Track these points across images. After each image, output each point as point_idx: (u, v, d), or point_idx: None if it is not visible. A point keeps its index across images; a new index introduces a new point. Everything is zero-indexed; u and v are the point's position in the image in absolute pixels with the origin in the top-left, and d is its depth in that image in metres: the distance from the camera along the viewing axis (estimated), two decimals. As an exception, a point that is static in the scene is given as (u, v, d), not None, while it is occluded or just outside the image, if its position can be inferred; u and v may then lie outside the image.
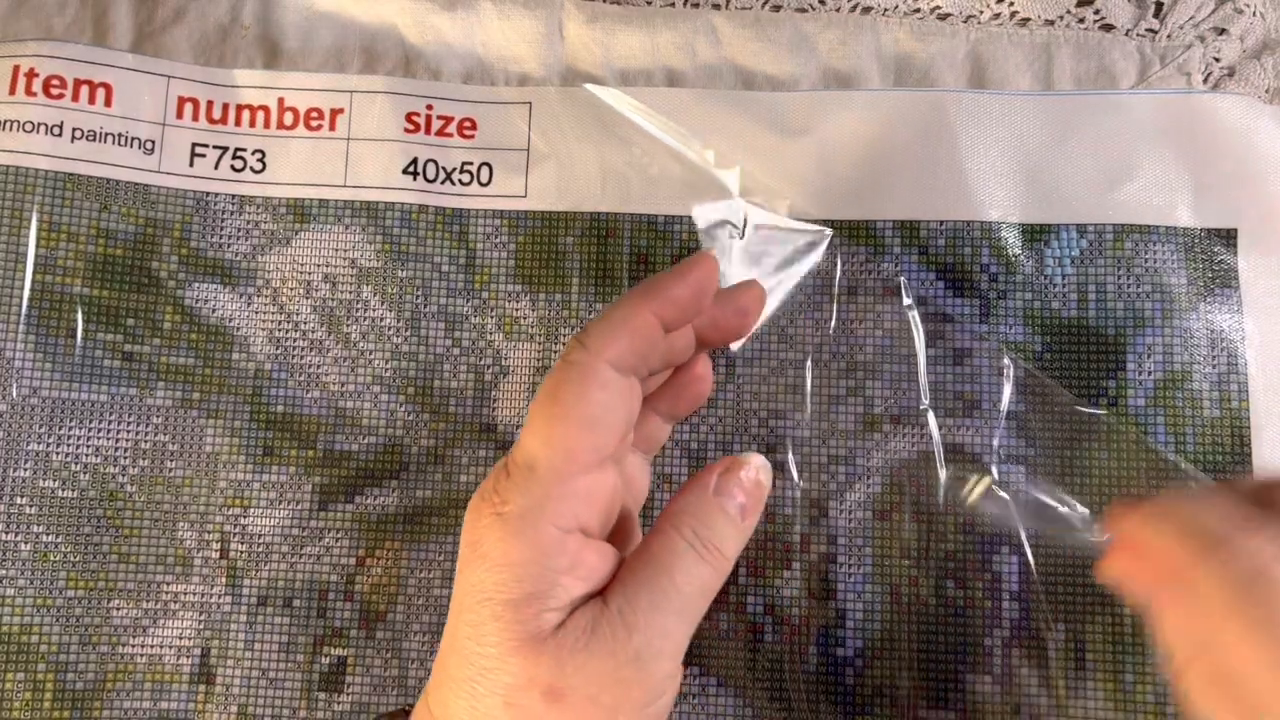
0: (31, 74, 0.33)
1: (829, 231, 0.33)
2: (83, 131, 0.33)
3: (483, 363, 0.33)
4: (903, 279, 0.33)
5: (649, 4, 0.35)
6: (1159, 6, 0.34)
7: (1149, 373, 0.32)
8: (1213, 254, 0.32)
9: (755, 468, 0.25)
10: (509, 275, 0.34)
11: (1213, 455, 0.31)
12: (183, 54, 0.35)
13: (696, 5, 0.35)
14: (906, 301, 0.32)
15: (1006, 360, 0.32)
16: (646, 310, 0.24)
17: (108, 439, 0.32)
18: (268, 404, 0.33)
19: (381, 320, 0.33)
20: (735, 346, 0.33)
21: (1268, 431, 0.31)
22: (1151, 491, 0.30)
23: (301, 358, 0.33)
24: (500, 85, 0.35)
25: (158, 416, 0.33)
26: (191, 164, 0.34)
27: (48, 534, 0.32)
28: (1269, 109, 0.33)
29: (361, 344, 0.33)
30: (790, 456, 0.32)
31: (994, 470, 0.32)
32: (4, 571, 0.31)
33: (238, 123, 0.34)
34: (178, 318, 0.33)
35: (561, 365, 0.23)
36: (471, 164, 0.34)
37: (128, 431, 0.32)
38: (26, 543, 0.32)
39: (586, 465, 0.23)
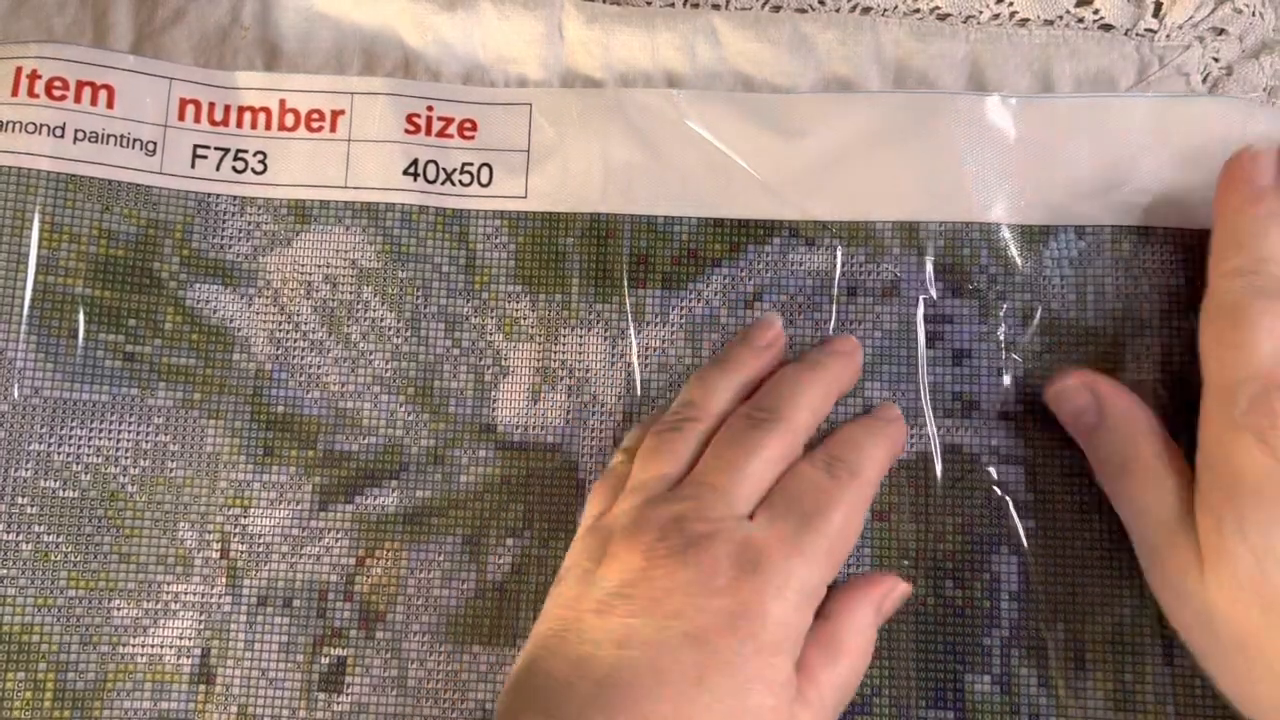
0: (34, 75, 0.33)
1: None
2: (85, 133, 0.33)
3: (483, 363, 0.33)
4: (902, 280, 0.33)
5: (649, 4, 0.35)
6: (1158, 7, 0.34)
7: (1148, 373, 0.32)
8: (1212, 254, 0.32)
9: (903, 593, 0.30)
10: (509, 276, 0.34)
11: (1212, 455, 0.31)
12: (182, 55, 0.35)
13: (696, 5, 0.35)
14: (906, 303, 0.33)
15: (1005, 361, 0.32)
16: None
17: (109, 439, 0.32)
18: (268, 404, 0.33)
19: (382, 321, 0.33)
20: None
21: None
22: None
23: (302, 358, 0.33)
24: (500, 86, 0.35)
25: (159, 417, 0.33)
26: (193, 165, 0.34)
27: (49, 534, 0.32)
28: (1265, 111, 0.33)
29: (362, 344, 0.33)
30: (789, 457, 0.32)
31: (993, 470, 0.32)
32: (5, 571, 0.32)
33: (239, 124, 0.34)
34: (179, 318, 0.33)
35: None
36: (472, 165, 0.34)
37: (129, 432, 0.33)
38: (27, 542, 0.32)
39: None
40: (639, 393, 0.33)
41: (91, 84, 0.34)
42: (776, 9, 0.35)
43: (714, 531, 0.26)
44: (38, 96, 0.33)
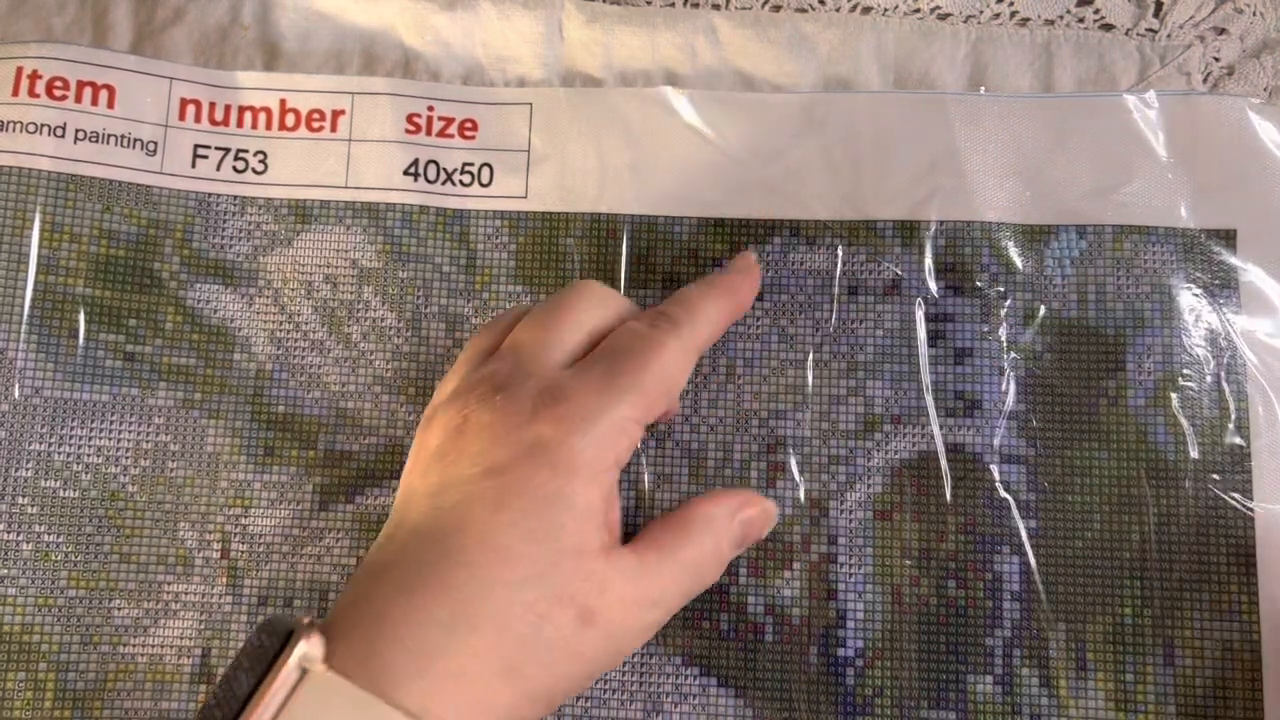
0: (35, 75, 0.34)
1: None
2: (85, 133, 0.33)
3: (483, 363, 0.33)
4: (903, 279, 0.33)
5: (649, 4, 0.35)
6: (1159, 6, 0.34)
7: (1149, 373, 0.32)
8: (1212, 255, 0.32)
9: (765, 511, 0.30)
10: (510, 276, 0.34)
11: (1212, 455, 0.31)
12: (182, 54, 0.35)
13: (696, 5, 0.35)
14: (908, 302, 0.33)
15: (1007, 360, 0.32)
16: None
17: (109, 439, 0.32)
18: (269, 404, 0.33)
19: (382, 321, 0.33)
20: None
21: (1267, 432, 0.31)
22: None
23: (302, 358, 0.33)
24: (500, 86, 0.35)
25: (159, 417, 0.33)
26: (193, 165, 0.34)
27: (49, 534, 0.32)
28: (1268, 109, 0.33)
29: (362, 344, 0.33)
30: (790, 456, 0.32)
31: (995, 470, 0.32)
32: (5, 571, 0.32)
33: (239, 124, 0.34)
34: (179, 318, 0.33)
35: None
36: (472, 165, 0.34)
37: (129, 431, 0.33)
38: (28, 542, 0.32)
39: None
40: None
41: (92, 84, 0.34)
42: (776, 9, 0.35)
43: (524, 378, 0.26)
44: (38, 96, 0.33)
